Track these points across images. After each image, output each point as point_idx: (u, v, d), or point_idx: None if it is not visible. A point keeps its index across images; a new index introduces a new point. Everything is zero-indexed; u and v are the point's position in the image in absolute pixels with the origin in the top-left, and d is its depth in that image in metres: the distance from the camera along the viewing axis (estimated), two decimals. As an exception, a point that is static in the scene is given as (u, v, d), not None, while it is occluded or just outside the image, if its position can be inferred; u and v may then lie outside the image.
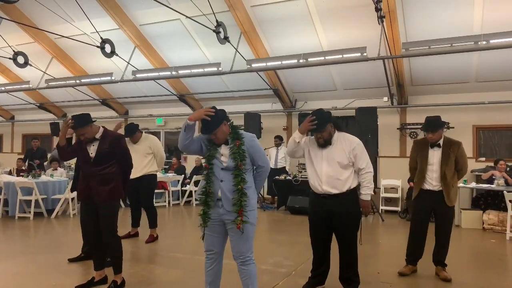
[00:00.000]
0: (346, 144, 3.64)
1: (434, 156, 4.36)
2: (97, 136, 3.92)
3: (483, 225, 7.12)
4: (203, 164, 3.20)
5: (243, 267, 3.09)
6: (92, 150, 3.89)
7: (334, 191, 3.60)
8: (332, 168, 3.61)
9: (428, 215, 4.46)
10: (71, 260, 4.82)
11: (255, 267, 3.14)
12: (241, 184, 3.00)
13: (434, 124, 4.36)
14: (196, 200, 10.20)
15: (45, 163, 10.60)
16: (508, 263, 5.41)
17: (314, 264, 3.93)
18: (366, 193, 3.65)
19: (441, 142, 4.38)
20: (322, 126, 3.53)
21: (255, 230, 3.16)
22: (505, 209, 6.72)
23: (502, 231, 6.73)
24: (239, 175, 3.02)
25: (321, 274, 3.91)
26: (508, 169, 7.88)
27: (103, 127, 4.04)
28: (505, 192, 6.43)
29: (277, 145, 10.05)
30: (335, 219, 3.65)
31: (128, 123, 6.24)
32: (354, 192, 3.66)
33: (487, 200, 7.69)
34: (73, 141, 4.30)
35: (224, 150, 3.11)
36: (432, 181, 4.35)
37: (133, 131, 6.01)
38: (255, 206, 3.16)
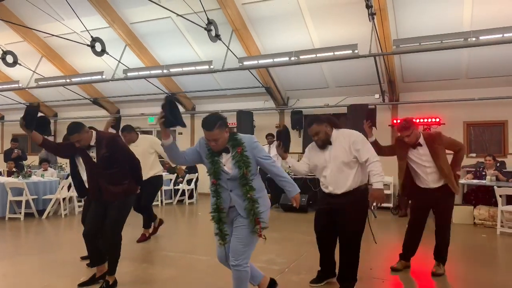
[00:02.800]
0: (345, 140, 3.60)
1: (422, 155, 4.22)
2: (92, 142, 3.83)
3: (474, 220, 7.18)
4: (211, 180, 3.07)
5: (233, 271, 3.05)
6: (93, 156, 3.84)
7: (341, 191, 3.60)
8: (338, 170, 3.59)
9: (427, 212, 4.41)
10: (83, 258, 4.69)
11: (246, 274, 3.07)
12: (250, 193, 2.96)
13: (405, 124, 4.20)
14: (190, 199, 10.18)
15: (24, 162, 10.56)
16: (499, 257, 5.47)
17: (320, 264, 3.96)
18: (378, 181, 3.51)
19: (421, 140, 4.24)
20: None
21: (257, 240, 3.12)
22: (495, 204, 6.78)
23: (493, 226, 6.79)
24: (246, 184, 2.97)
25: (329, 272, 3.95)
26: (498, 164, 7.95)
27: (94, 130, 3.94)
28: (495, 187, 6.48)
29: (270, 142, 10.05)
30: (339, 217, 3.64)
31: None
32: (360, 191, 3.61)
33: (478, 196, 7.75)
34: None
35: (226, 159, 3.03)
36: (429, 181, 4.23)
37: (129, 128, 5.86)
38: (266, 207, 3.11)
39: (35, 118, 3.87)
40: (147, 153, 5.78)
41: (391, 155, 4.57)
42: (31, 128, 3.81)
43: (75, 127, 3.74)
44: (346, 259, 3.73)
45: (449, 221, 4.37)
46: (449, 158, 4.33)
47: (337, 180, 3.60)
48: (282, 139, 3.69)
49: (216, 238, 3.11)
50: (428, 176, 4.24)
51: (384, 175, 3.60)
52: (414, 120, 4.44)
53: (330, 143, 3.63)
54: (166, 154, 3.14)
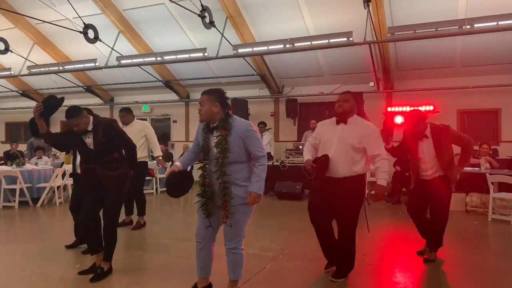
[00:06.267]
0: (362, 128, 3.56)
1: (425, 148, 4.20)
2: (89, 128, 3.81)
3: (466, 207, 7.26)
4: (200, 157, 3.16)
5: (228, 254, 3.12)
6: (89, 142, 3.81)
7: (340, 175, 3.55)
8: (342, 151, 3.54)
9: (423, 201, 4.35)
10: (69, 247, 4.76)
11: (241, 257, 3.12)
12: (222, 178, 2.96)
13: (415, 117, 4.14)
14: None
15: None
16: (490, 243, 5.54)
17: (324, 255, 3.93)
18: (383, 178, 3.50)
19: (428, 132, 4.20)
20: None
21: (247, 221, 3.14)
22: (488, 191, 6.85)
23: (484, 213, 6.88)
24: (219, 169, 2.97)
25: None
26: (491, 152, 8.00)
27: (92, 115, 3.92)
28: (487, 174, 6.55)
29: (261, 131, 10.05)
30: (335, 204, 3.63)
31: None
32: (357, 179, 3.58)
33: (470, 183, 7.81)
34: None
35: (214, 139, 3.05)
36: (427, 172, 4.23)
37: (127, 110, 5.98)
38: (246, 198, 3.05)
39: (54, 110, 4.02)
40: (139, 136, 5.86)
41: (402, 153, 4.61)
42: (46, 116, 3.91)
43: (74, 111, 3.73)
44: (341, 248, 3.74)
45: (445, 213, 4.29)
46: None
47: (338, 161, 3.54)
48: (319, 170, 3.46)
49: (199, 212, 3.14)
50: (428, 170, 4.22)
51: (389, 173, 3.57)
52: (421, 111, 4.37)
53: (346, 122, 3.62)
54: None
